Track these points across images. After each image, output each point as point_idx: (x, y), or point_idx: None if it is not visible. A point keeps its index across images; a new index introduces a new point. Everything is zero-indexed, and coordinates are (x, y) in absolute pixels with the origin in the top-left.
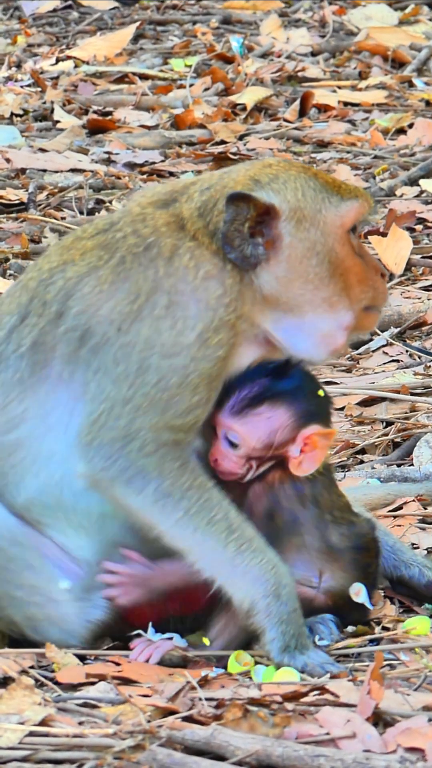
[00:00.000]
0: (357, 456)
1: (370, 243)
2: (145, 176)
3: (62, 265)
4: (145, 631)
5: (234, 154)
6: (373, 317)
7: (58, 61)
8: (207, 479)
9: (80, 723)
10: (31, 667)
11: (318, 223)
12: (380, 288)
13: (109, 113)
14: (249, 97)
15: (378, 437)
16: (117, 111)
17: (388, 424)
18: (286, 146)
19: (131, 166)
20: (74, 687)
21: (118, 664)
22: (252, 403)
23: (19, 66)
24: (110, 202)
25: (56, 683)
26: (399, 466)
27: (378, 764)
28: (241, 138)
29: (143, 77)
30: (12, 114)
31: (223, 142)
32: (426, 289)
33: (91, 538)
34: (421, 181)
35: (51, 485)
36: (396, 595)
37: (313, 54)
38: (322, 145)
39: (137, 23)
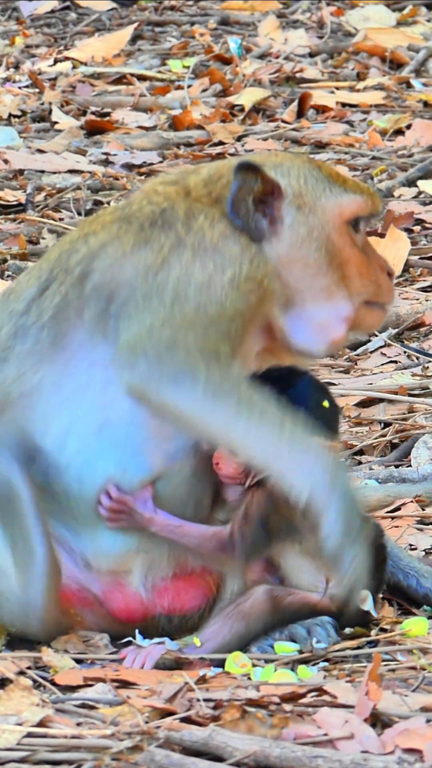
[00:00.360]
0: (355, 457)
1: None
2: (143, 177)
3: (83, 237)
4: (134, 635)
5: (232, 155)
6: (376, 314)
7: (56, 62)
8: (251, 381)
9: (78, 724)
10: (29, 668)
11: (317, 211)
12: (384, 285)
13: (107, 114)
14: (247, 98)
15: (376, 438)
16: (115, 112)
17: (386, 425)
18: (284, 147)
19: (129, 167)
20: (72, 688)
21: (116, 669)
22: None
23: (17, 67)
24: (108, 203)
25: (54, 684)
26: (397, 467)
27: (376, 765)
28: (239, 139)
29: (141, 78)
30: (10, 115)
31: (221, 143)
32: (424, 290)
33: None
34: (419, 182)
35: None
36: (394, 597)
37: (311, 55)
38: (320, 146)
39: (135, 24)
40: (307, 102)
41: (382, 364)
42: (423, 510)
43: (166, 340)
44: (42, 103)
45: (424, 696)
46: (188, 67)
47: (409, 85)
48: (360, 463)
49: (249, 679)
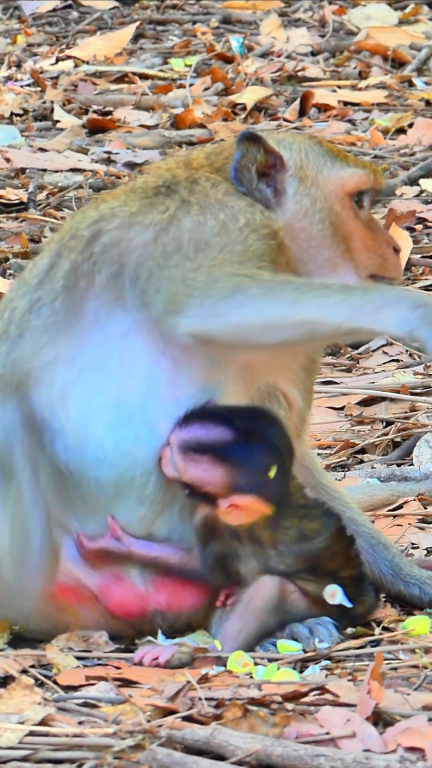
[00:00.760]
0: (357, 456)
1: None
2: None
3: (94, 206)
4: (129, 632)
5: None
6: None
7: (57, 60)
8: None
9: (80, 723)
10: (32, 667)
11: (319, 183)
12: (391, 259)
13: (109, 113)
14: (249, 96)
15: (378, 437)
16: (117, 111)
17: (388, 423)
18: None
19: (131, 165)
20: (74, 687)
21: (118, 668)
22: (198, 448)
23: (18, 66)
24: None
25: (56, 683)
26: (399, 465)
27: (378, 764)
28: None
29: (143, 77)
30: (12, 114)
31: (223, 142)
32: (426, 288)
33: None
34: (421, 181)
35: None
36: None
37: (313, 54)
38: None
39: (137, 23)
40: (309, 101)
41: (384, 363)
42: (425, 508)
43: (205, 280)
44: (44, 102)
45: (426, 694)
46: (190, 66)
47: (411, 84)
48: (362, 461)
49: (251, 677)
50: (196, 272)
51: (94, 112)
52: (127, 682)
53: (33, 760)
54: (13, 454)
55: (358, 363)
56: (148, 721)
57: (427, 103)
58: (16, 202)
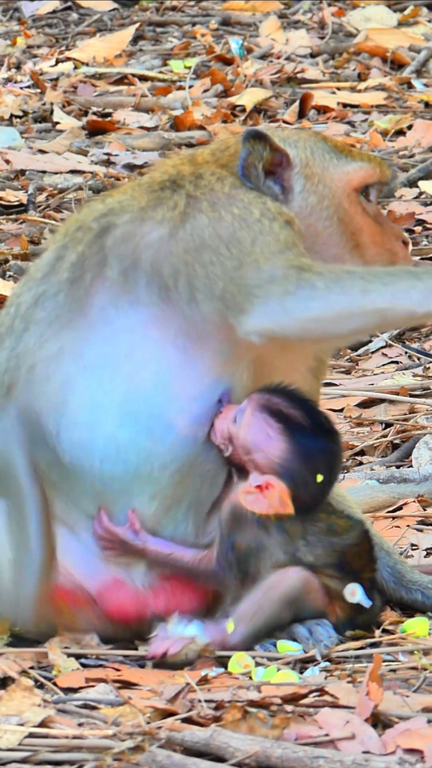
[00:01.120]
0: (356, 457)
1: None
2: None
3: (100, 199)
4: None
5: None
6: None
7: (57, 62)
8: None
9: (80, 724)
10: (31, 668)
11: (326, 179)
12: (401, 253)
13: (109, 115)
14: (248, 98)
15: (377, 439)
16: (116, 112)
17: (387, 425)
18: None
19: (131, 167)
20: (74, 689)
21: (118, 670)
22: (275, 413)
23: (18, 67)
24: None
25: (56, 685)
26: (398, 467)
27: (377, 765)
28: None
29: (143, 78)
30: (11, 115)
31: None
32: None
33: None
34: (420, 183)
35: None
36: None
37: (313, 55)
38: None
39: (136, 25)
40: (309, 102)
41: (384, 365)
42: (424, 510)
43: (257, 276)
44: (43, 104)
45: (425, 696)
46: (190, 68)
47: (410, 86)
48: (361, 463)
49: (250, 679)
50: (242, 269)
51: (94, 113)
52: (126, 684)
53: (33, 762)
54: (12, 453)
55: (357, 365)
56: (148, 723)
57: (427, 104)
58: (16, 203)
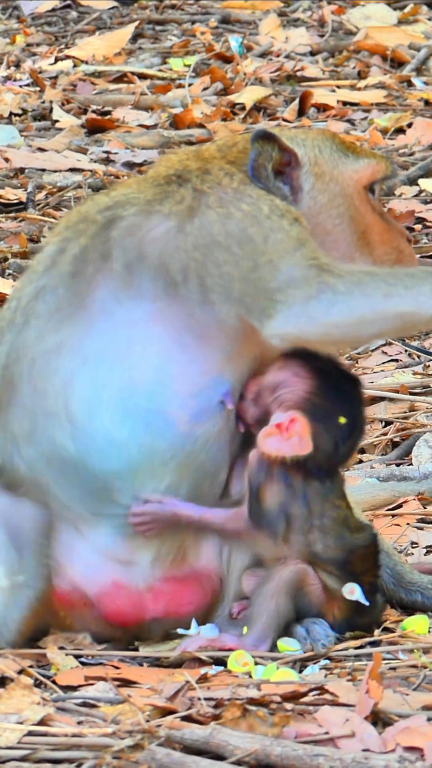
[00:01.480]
0: (356, 455)
1: None
2: None
3: (105, 193)
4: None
5: None
6: None
7: (56, 60)
8: None
9: (79, 722)
10: (30, 667)
11: (335, 178)
12: (406, 251)
13: (108, 113)
14: (248, 96)
15: (377, 437)
16: (116, 110)
17: (387, 423)
18: None
19: (130, 165)
20: (73, 687)
21: (117, 668)
22: (306, 356)
23: (17, 65)
24: None
25: (55, 683)
26: (398, 465)
27: (377, 763)
28: None
29: (142, 77)
30: (11, 113)
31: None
32: None
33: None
34: (420, 181)
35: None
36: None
37: (312, 53)
38: None
39: (136, 23)
40: (308, 100)
41: (383, 363)
42: (424, 508)
43: (275, 277)
44: (43, 102)
45: (425, 694)
46: (189, 66)
47: (410, 84)
48: (361, 461)
49: (250, 677)
50: (258, 270)
51: (93, 111)
52: (126, 682)
53: (32, 760)
54: (12, 449)
55: (357, 363)
56: (147, 721)
57: (426, 103)
58: (15, 201)
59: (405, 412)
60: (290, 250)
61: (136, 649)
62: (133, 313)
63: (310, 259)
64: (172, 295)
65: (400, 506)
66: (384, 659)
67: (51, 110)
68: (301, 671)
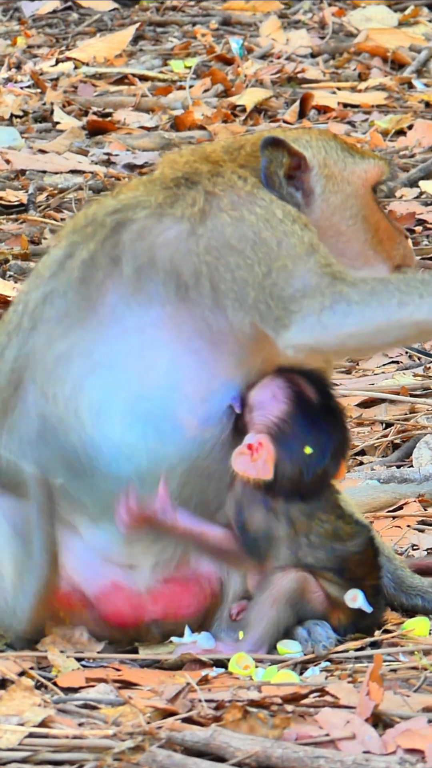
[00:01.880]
0: (356, 457)
1: None
2: None
3: (112, 196)
4: (124, 640)
5: None
6: None
7: (57, 62)
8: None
9: (80, 724)
10: (31, 669)
11: (345, 179)
12: (408, 248)
13: (109, 114)
14: (249, 98)
15: (377, 438)
16: (117, 112)
17: (388, 425)
18: None
19: (131, 167)
20: (74, 688)
21: (118, 670)
22: (286, 381)
23: (18, 67)
24: None
25: (56, 685)
26: (398, 467)
27: (378, 765)
28: None
29: (143, 78)
30: (12, 115)
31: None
32: None
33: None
34: (421, 183)
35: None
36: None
37: (313, 55)
38: None
39: (137, 24)
40: (309, 102)
41: (384, 365)
42: (425, 510)
43: (289, 285)
44: (44, 104)
45: (425, 696)
46: (190, 68)
47: (410, 86)
48: (361, 463)
49: (251, 679)
50: (271, 276)
51: (94, 113)
52: (127, 684)
53: (33, 762)
54: (20, 453)
55: (357, 365)
56: (148, 723)
57: (427, 104)
58: (16, 203)
59: (405, 414)
60: (304, 256)
61: (136, 651)
62: (143, 318)
63: (324, 266)
64: (183, 299)
65: (400, 508)
66: (385, 661)
67: (52, 112)
68: (301, 673)
